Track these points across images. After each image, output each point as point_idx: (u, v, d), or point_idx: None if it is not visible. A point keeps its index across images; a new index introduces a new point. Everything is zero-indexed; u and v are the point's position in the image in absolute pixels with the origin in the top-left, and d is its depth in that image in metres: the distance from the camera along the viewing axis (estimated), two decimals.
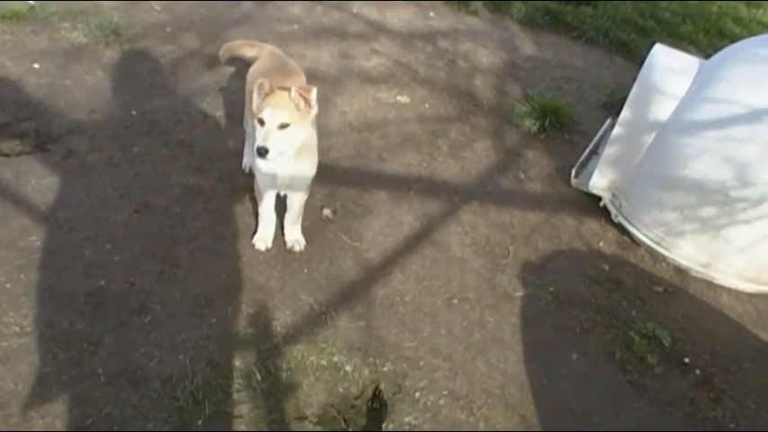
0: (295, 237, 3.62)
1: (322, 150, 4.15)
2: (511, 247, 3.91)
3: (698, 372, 3.36)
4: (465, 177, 4.39)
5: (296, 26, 5.79)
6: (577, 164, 4.54)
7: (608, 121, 4.96)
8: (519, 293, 3.62)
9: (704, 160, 3.74)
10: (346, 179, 4.14)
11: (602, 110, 5.42)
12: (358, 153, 4.40)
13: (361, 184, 4.13)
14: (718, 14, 7.78)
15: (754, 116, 3.62)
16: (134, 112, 4.35)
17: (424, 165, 4.43)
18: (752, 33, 7.11)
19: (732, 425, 3.12)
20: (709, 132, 3.76)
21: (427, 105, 5.08)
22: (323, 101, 4.76)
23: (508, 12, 6.93)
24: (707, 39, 7.06)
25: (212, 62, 4.97)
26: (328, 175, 4.07)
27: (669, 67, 4.05)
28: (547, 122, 4.97)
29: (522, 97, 5.31)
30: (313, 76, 5.01)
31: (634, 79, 4.10)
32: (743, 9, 8.07)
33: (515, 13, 6.86)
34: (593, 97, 5.62)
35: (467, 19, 6.68)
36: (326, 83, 5.03)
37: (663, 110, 3.97)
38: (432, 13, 6.58)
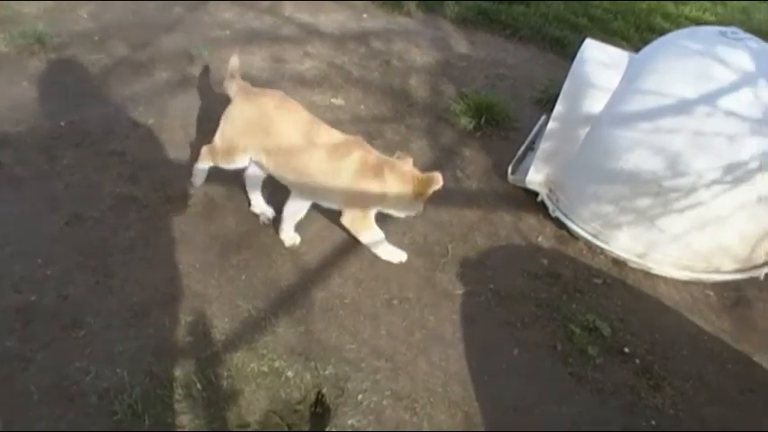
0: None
1: None
2: (450, 246, 3.92)
3: (637, 361, 3.41)
4: None
5: (228, 31, 5.73)
6: (514, 160, 4.57)
7: (543, 117, 5.00)
8: (459, 291, 3.63)
9: (637, 152, 3.80)
10: (283, 183, 4.09)
11: (537, 106, 5.46)
12: None
13: None
14: (648, 10, 7.93)
15: (683, 107, 3.70)
16: (62, 123, 4.25)
17: None
18: (680, 28, 7.25)
19: (671, 411, 3.17)
20: (640, 124, 3.82)
21: (362, 107, 5.07)
22: None
23: (441, 11, 6.94)
24: (638, 34, 7.18)
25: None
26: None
27: (600, 61, 4.11)
28: (482, 120, 5.00)
29: (457, 96, 5.32)
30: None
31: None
32: (671, 6, 8.24)
33: (448, 13, 6.88)
34: (527, 94, 5.66)
35: (400, 19, 6.67)
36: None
37: (595, 103, 4.03)
38: (365, 15, 6.57)
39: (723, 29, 3.93)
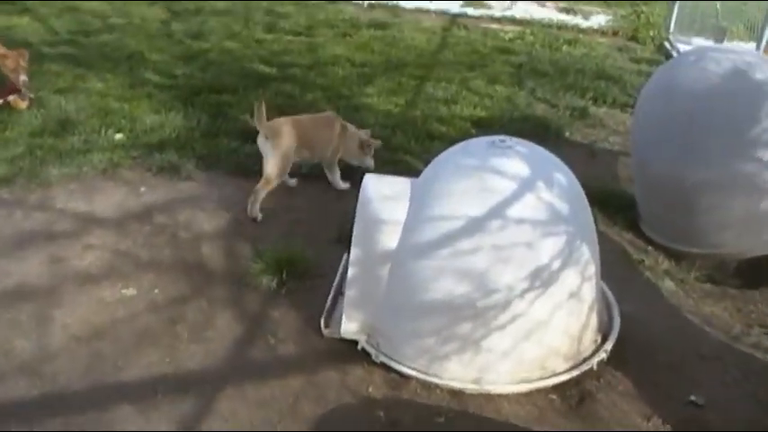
0: None
1: (46, 379, 3.74)
2: (279, 425, 3.62)
3: None
4: (213, 361, 4.06)
5: None
6: (324, 312, 4.35)
7: (345, 257, 4.84)
8: None
9: (443, 279, 3.73)
10: (81, 404, 3.68)
11: (337, 246, 5.21)
12: (90, 368, 3.94)
13: (100, 404, 3.69)
14: (423, 118, 8.08)
15: (476, 225, 3.68)
16: None
17: (167, 360, 4.04)
18: (456, 129, 7.51)
19: None
20: (439, 251, 3.76)
21: (157, 291, 4.71)
22: (38, 319, 4.31)
23: (218, 164, 6.63)
24: (418, 144, 7.24)
25: None
26: (58, 407, 3.63)
27: (383, 195, 4.06)
28: (284, 275, 4.77)
29: (254, 255, 5.08)
30: (22, 294, 4.53)
31: None
32: (443, 108, 8.43)
33: (224, 165, 6.60)
34: (324, 236, 5.47)
35: (181, 186, 6.26)
36: (40, 297, 4.55)
37: (389, 239, 3.93)
38: (142, 188, 6.19)
39: (492, 139, 3.99)
